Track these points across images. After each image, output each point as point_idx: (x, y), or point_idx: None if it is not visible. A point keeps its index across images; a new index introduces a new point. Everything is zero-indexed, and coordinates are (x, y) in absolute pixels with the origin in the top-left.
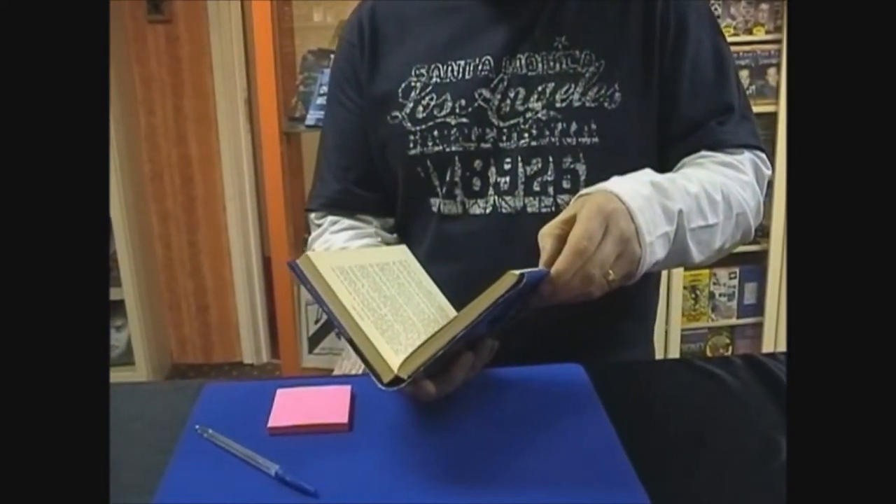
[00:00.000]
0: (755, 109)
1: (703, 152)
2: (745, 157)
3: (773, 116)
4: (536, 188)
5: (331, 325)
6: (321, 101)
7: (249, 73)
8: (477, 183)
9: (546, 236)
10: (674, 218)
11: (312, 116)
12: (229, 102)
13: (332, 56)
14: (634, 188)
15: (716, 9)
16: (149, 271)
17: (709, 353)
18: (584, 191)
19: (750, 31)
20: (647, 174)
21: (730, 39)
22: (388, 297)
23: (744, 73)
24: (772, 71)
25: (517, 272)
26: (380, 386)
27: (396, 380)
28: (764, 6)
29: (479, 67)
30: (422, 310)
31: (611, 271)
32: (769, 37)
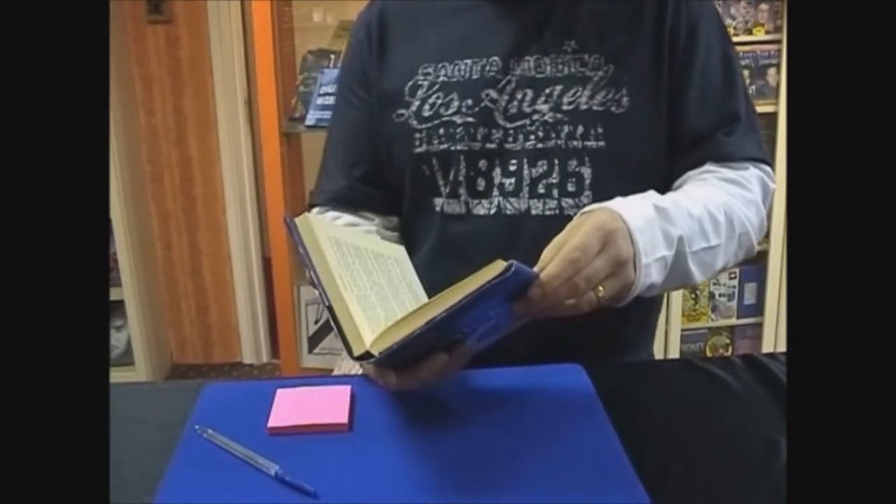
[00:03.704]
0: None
1: (709, 166)
2: (752, 174)
3: (773, 116)
4: (541, 190)
5: (329, 327)
6: (321, 101)
7: (249, 74)
8: (481, 183)
9: (548, 249)
10: (673, 243)
11: (312, 117)
12: (229, 103)
13: (335, 55)
14: (637, 209)
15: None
16: (149, 272)
17: (709, 354)
18: (587, 208)
19: (750, 32)
20: (651, 196)
21: None
22: (376, 283)
23: (744, 74)
24: (772, 71)
25: (507, 262)
26: (348, 357)
27: (367, 355)
28: (764, 6)
29: (487, 68)
30: (406, 308)
31: (601, 288)
32: (769, 37)
